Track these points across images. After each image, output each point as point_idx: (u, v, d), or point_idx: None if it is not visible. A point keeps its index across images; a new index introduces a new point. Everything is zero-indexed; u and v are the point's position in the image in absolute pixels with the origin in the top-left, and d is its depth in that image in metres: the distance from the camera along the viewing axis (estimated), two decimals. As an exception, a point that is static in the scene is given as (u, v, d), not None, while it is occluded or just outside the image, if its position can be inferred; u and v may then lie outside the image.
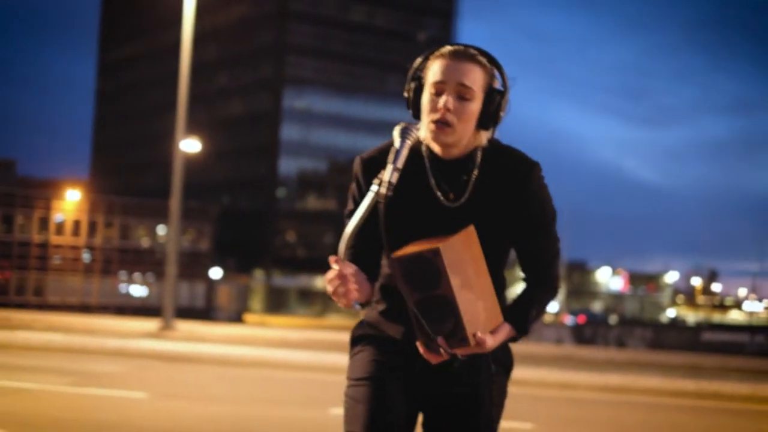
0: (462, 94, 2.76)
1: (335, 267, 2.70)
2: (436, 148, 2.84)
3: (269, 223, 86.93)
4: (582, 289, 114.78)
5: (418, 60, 2.87)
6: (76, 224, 60.61)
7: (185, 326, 28.02)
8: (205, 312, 59.50)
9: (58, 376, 13.21)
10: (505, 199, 2.84)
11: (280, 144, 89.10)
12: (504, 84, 2.85)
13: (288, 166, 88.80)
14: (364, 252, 2.92)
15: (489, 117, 2.80)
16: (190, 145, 29.58)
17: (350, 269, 2.71)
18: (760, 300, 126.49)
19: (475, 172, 2.84)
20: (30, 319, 28.66)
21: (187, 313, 45.00)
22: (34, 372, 13.54)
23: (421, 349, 2.75)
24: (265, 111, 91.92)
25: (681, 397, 14.98)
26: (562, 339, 42.45)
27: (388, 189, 2.69)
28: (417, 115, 2.86)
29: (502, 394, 3.05)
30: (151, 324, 28.28)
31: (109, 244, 61.86)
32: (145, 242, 63.79)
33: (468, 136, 2.82)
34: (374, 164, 2.89)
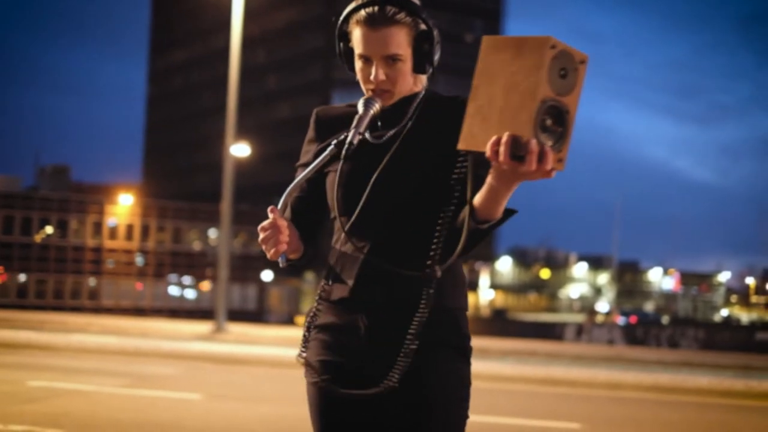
0: (391, 58, 2.68)
1: (271, 216, 2.61)
2: None
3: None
4: (634, 289, 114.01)
5: (339, 21, 2.77)
6: (129, 228, 61.32)
7: (237, 329, 28.31)
8: (256, 314, 59.85)
9: (114, 378, 13.46)
10: (442, 134, 2.68)
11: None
12: (427, 25, 2.70)
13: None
14: (303, 215, 2.84)
15: (422, 60, 2.71)
16: (240, 150, 29.90)
17: (284, 222, 2.61)
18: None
19: (411, 110, 2.76)
20: (85, 322, 29.12)
21: (239, 315, 45.31)
22: (90, 374, 13.80)
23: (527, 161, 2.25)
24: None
25: (730, 397, 14.95)
26: (614, 339, 42.20)
27: (347, 150, 2.65)
28: (353, 70, 2.79)
29: (460, 385, 2.75)
30: (203, 327, 28.62)
31: (161, 247, 62.52)
32: (197, 245, 64.34)
33: (408, 88, 2.76)
34: (329, 121, 2.88)
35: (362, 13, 2.69)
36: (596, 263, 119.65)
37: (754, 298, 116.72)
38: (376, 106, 2.71)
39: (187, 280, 63.71)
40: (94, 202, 60.83)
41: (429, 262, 2.57)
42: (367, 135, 2.75)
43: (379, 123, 2.77)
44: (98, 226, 60.38)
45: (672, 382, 15.96)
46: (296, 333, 29.84)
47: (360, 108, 2.72)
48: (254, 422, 9.78)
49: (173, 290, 63.39)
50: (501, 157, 2.25)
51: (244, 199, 60.48)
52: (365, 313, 2.73)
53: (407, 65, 2.71)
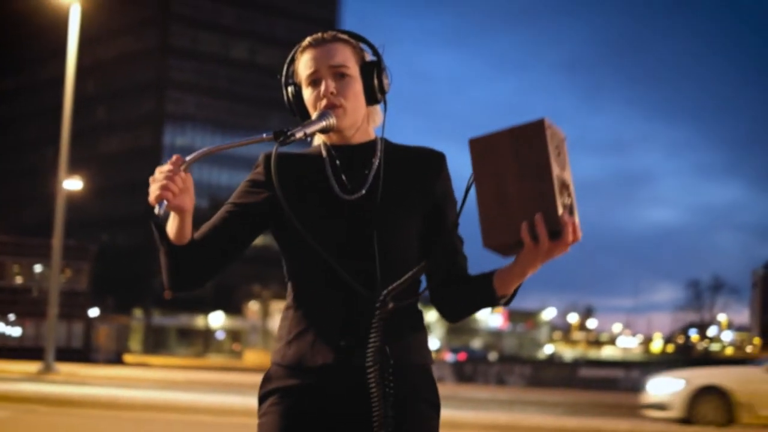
0: (338, 73, 2.63)
1: (172, 160, 2.45)
2: (335, 137, 2.68)
3: (149, 261, 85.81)
4: (462, 326, 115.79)
5: (285, 66, 2.74)
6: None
7: (66, 368, 27.52)
8: (83, 353, 58.21)
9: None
10: (409, 189, 2.67)
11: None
12: (375, 53, 2.71)
13: (180, 294, 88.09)
14: (211, 239, 2.62)
15: (373, 88, 2.66)
16: (73, 184, 29.20)
17: (184, 175, 2.44)
18: (633, 335, 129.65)
19: (377, 161, 2.68)
20: None
21: (65, 353, 44.03)
22: None
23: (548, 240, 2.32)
24: (145, 147, 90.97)
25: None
26: (444, 377, 42.71)
27: (284, 139, 2.49)
28: (304, 117, 2.69)
29: None
30: (30, 366, 27.68)
31: (-18, 282, 60.16)
32: (19, 280, 62.26)
33: (362, 115, 2.67)
34: (283, 160, 2.69)
35: (307, 40, 2.70)
36: (425, 300, 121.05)
37: (576, 335, 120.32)
38: (331, 120, 2.59)
39: (10, 317, 61.53)
40: None
41: (388, 291, 2.51)
42: (334, 186, 2.63)
43: (343, 176, 2.66)
44: None
45: (511, 420, 16.23)
46: (125, 372, 29.20)
47: (314, 116, 2.62)
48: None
49: (-5, 327, 61.08)
50: (541, 238, 2.31)
51: (70, 234, 58.98)
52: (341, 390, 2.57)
53: (357, 85, 2.65)
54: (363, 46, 2.73)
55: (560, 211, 2.30)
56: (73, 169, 29.02)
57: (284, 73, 2.73)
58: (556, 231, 2.31)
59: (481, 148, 2.38)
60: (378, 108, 2.75)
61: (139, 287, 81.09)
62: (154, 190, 2.40)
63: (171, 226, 2.54)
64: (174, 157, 2.44)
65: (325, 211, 2.61)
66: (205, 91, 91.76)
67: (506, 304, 2.59)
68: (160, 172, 2.41)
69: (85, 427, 13.66)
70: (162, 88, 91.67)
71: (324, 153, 2.70)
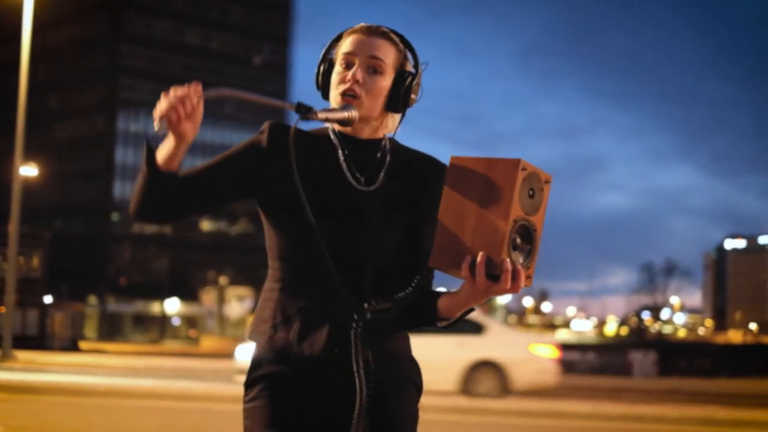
0: (373, 67, 2.62)
1: (191, 87, 2.41)
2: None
3: (103, 248, 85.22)
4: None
5: (330, 41, 2.71)
6: None
7: (24, 355, 27.34)
8: (38, 340, 57.74)
9: None
10: (414, 193, 2.67)
11: (114, 167, 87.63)
12: (416, 65, 2.71)
13: (122, 189, 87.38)
14: (194, 182, 2.60)
15: (399, 98, 2.64)
16: (29, 171, 28.96)
17: (198, 108, 2.43)
18: (588, 319, 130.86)
19: (388, 159, 2.68)
20: None
21: (21, 341, 43.66)
22: None
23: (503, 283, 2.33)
24: (98, 134, 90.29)
25: (526, 417, 15.45)
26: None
27: (312, 114, 2.51)
28: (326, 96, 2.69)
29: (416, 418, 2.74)
30: (-13, 354, 27.44)
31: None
32: (-29, 268, 61.58)
33: (376, 114, 2.66)
34: (284, 133, 2.64)
35: (359, 24, 2.69)
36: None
37: (530, 318, 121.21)
38: (353, 113, 2.57)
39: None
40: None
41: (370, 304, 2.56)
42: (347, 175, 2.62)
43: (345, 165, 2.64)
44: None
45: (470, 404, 16.23)
46: (82, 359, 29.04)
47: (337, 105, 2.60)
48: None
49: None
50: (477, 278, 2.32)
51: (24, 221, 58.43)
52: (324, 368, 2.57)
53: (385, 84, 2.63)
54: (408, 55, 2.72)
55: (504, 255, 2.29)
56: (26, 156, 28.73)
57: (326, 47, 2.72)
58: (495, 275, 2.32)
59: (458, 168, 2.39)
60: (396, 117, 2.73)
61: (94, 274, 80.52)
62: (161, 106, 2.37)
63: (162, 150, 2.50)
64: (193, 83, 2.42)
65: (334, 197, 2.60)
66: (158, 77, 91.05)
67: (447, 327, 2.58)
68: (174, 92, 2.39)
69: (50, 414, 13.60)
70: (115, 74, 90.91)
71: (334, 139, 2.67)
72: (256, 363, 2.64)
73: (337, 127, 2.68)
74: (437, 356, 16.40)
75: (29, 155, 30.19)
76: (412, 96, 2.66)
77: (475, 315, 17.53)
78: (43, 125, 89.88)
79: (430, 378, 13.44)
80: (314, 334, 2.56)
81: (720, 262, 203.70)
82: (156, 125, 2.37)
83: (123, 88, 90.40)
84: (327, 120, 2.56)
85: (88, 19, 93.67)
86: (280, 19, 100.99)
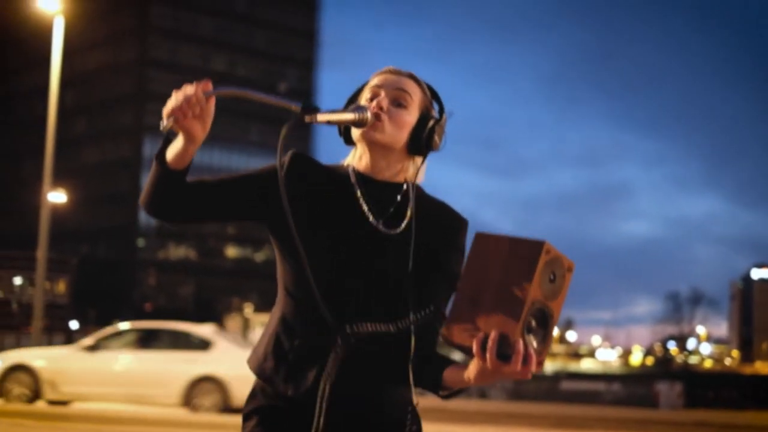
0: (398, 100, 2.57)
1: (200, 86, 2.38)
2: (365, 162, 2.61)
3: (129, 273, 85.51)
4: (440, 340, 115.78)
5: (356, 89, 2.67)
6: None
7: (49, 381, 27.24)
8: (62, 365, 57.93)
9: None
10: (431, 243, 2.59)
11: (140, 192, 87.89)
12: (441, 111, 2.66)
13: (148, 215, 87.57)
14: (204, 188, 2.55)
15: (421, 139, 2.57)
16: (57, 197, 29.12)
17: (209, 106, 2.39)
18: (613, 348, 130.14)
19: (409, 204, 2.59)
20: None
21: (46, 366, 43.78)
22: None
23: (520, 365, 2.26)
24: (124, 159, 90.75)
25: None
26: (425, 390, 42.61)
27: (311, 115, 2.43)
28: (349, 141, 2.65)
29: None
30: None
31: (-39, 295, 59.75)
32: (-1, 293, 61.84)
33: (398, 148, 2.58)
34: (305, 164, 2.62)
35: (385, 67, 2.67)
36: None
37: (556, 347, 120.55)
38: (366, 114, 2.51)
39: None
40: None
41: (354, 327, 2.50)
42: (365, 211, 2.56)
43: (364, 205, 2.57)
44: None
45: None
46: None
47: (359, 142, 2.58)
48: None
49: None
50: (488, 357, 2.24)
51: (50, 246, 58.70)
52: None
53: (410, 119, 2.58)
54: (434, 103, 2.67)
55: (518, 336, 2.23)
56: (53, 180, 28.88)
57: (351, 95, 2.68)
58: (506, 355, 2.25)
59: (482, 244, 2.34)
60: (417, 161, 2.64)
61: (120, 299, 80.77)
62: (169, 104, 2.35)
63: (172, 148, 2.46)
64: (204, 81, 2.38)
65: (346, 236, 2.55)
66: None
67: (446, 397, 2.55)
68: (184, 90, 2.36)
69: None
70: (141, 99, 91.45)
71: (353, 177, 2.61)
72: (251, 394, 2.63)
73: (355, 165, 2.63)
74: (163, 370, 17.34)
75: (56, 180, 30.33)
76: (435, 139, 2.60)
77: (205, 331, 18.13)
78: (70, 150, 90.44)
79: (154, 392, 13.98)
80: (301, 369, 2.52)
81: (746, 291, 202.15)
82: (163, 124, 2.36)
83: (149, 113, 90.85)
84: (330, 122, 2.50)
85: (116, 45, 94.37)
86: (305, 44, 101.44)
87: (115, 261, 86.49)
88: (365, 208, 2.56)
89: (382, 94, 2.57)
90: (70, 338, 63.34)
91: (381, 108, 2.54)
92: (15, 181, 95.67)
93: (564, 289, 2.33)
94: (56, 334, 61.47)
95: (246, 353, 19.61)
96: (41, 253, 26.75)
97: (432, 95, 2.67)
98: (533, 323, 2.28)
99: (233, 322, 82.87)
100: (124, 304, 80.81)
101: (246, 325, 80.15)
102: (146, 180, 2.52)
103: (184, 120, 2.36)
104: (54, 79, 27.10)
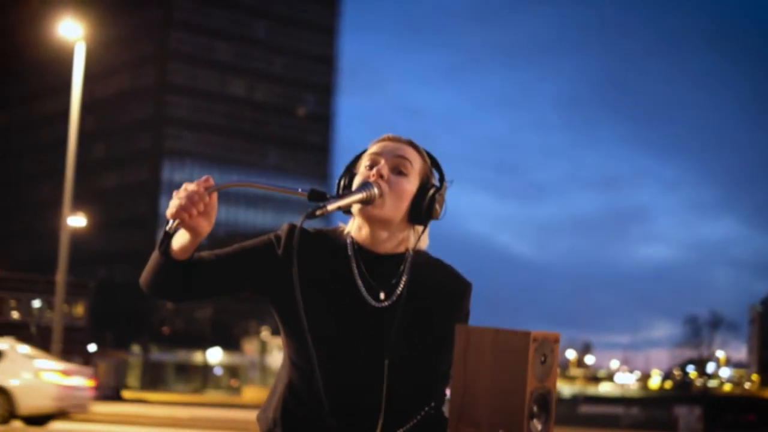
0: (398, 167, 2.54)
1: (201, 182, 2.38)
2: (364, 234, 2.59)
3: (146, 296, 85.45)
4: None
5: (355, 156, 2.65)
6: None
7: (68, 404, 27.29)
8: (81, 388, 58.04)
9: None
10: (433, 314, 2.58)
11: (158, 216, 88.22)
12: (441, 179, 2.63)
13: (149, 297, 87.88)
14: (203, 265, 2.54)
15: (423, 210, 2.54)
16: (77, 221, 29.27)
17: (209, 200, 2.38)
18: (631, 372, 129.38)
19: (405, 274, 2.56)
20: None
21: (64, 389, 43.89)
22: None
23: None
24: (143, 183, 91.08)
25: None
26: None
27: (322, 208, 2.40)
28: (347, 211, 2.58)
29: None
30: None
31: (-20, 318, 60.00)
32: (16, 316, 62.08)
33: (398, 220, 2.55)
34: (305, 239, 2.58)
35: (385, 134, 2.65)
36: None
37: (574, 371, 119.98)
38: (374, 191, 2.49)
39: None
40: None
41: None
42: (361, 289, 2.54)
43: (359, 280, 2.55)
44: None
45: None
46: (126, 409, 29.05)
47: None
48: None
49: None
50: None
51: (68, 270, 59.05)
52: None
53: (410, 187, 2.55)
54: (434, 171, 2.65)
55: (524, 429, 2.22)
56: (72, 204, 29.03)
57: (350, 161, 2.66)
58: None
59: (465, 336, 2.30)
60: (418, 230, 2.61)
61: (137, 323, 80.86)
62: (172, 206, 2.36)
63: (177, 239, 2.45)
64: (204, 178, 2.38)
65: (344, 313, 2.54)
66: (202, 127, 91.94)
67: None
68: (185, 190, 2.36)
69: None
70: (160, 124, 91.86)
71: (350, 250, 2.58)
72: None
73: (354, 235, 2.60)
74: None
75: (75, 203, 30.52)
76: (437, 207, 2.56)
77: None
78: (88, 174, 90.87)
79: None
80: None
81: (766, 315, 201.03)
82: (168, 225, 2.37)
83: (168, 137, 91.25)
84: (340, 209, 2.48)
85: (135, 70, 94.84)
86: (323, 69, 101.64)
87: (133, 284, 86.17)
88: (360, 283, 2.54)
89: (382, 162, 2.55)
90: (88, 361, 63.64)
91: (381, 176, 2.52)
92: (34, 205, 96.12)
93: (555, 362, 2.33)
94: (74, 357, 61.77)
95: (33, 364, 19.41)
96: (60, 276, 26.87)
97: (432, 162, 2.65)
98: (535, 409, 2.28)
99: (251, 345, 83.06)
100: (141, 328, 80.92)
101: (263, 349, 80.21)
102: (147, 265, 2.52)
103: (190, 220, 2.37)
104: (74, 104, 27.33)
